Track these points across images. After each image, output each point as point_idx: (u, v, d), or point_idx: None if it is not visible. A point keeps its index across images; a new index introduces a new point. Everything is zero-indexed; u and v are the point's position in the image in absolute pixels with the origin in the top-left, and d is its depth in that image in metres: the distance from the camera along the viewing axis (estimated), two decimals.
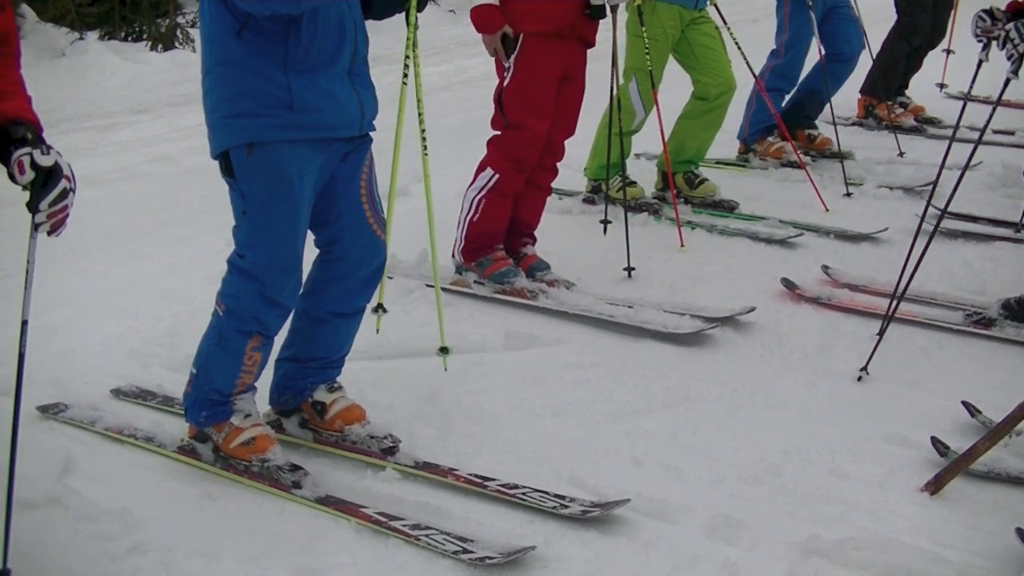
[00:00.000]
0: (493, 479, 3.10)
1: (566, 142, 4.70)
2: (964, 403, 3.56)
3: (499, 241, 4.66)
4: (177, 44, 10.68)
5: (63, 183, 2.44)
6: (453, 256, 4.71)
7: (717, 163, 6.57)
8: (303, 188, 3.03)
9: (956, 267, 4.89)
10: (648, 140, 6.22)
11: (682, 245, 5.16)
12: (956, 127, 4.34)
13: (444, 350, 3.74)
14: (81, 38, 10.09)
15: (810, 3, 6.29)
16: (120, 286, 4.71)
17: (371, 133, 3.23)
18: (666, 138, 5.45)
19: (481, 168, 4.59)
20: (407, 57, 3.42)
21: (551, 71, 4.44)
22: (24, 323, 2.48)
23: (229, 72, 2.95)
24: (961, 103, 4.49)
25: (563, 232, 5.30)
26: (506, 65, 4.45)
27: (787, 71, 6.54)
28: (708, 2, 5.55)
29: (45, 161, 2.41)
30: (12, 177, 2.42)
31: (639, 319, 4.25)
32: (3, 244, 4.70)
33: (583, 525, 2.91)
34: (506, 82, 4.47)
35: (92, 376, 3.81)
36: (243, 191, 3.02)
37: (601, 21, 4.50)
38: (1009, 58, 3.94)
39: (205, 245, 5.13)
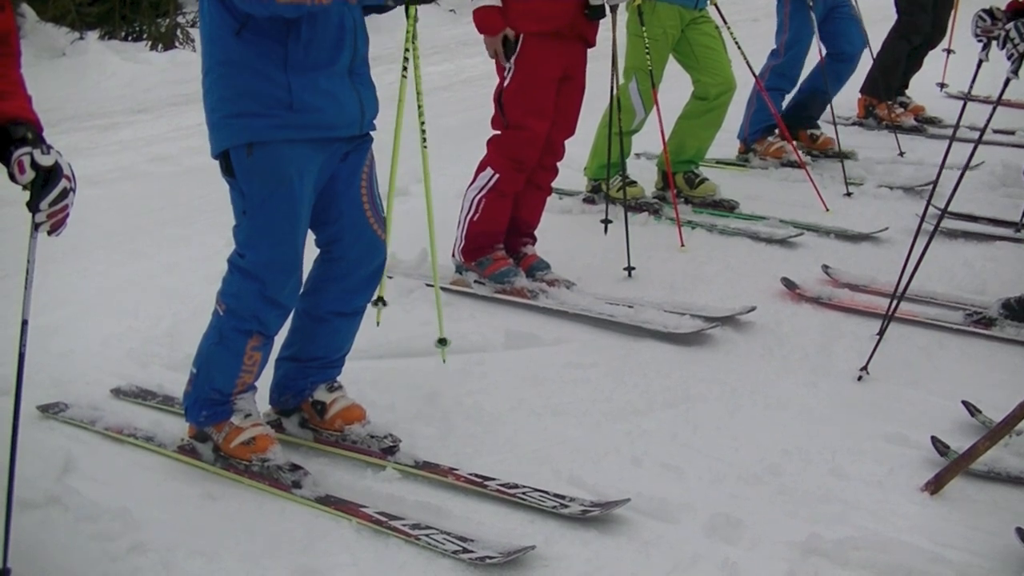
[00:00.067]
0: (493, 479, 3.10)
1: (566, 142, 4.70)
2: (964, 403, 3.56)
3: (499, 241, 4.66)
4: (177, 44, 10.68)
5: (63, 183, 2.44)
6: (453, 256, 4.71)
7: (717, 163, 6.57)
8: (303, 188, 3.03)
9: (956, 267, 4.88)
10: (648, 140, 6.22)
11: (682, 245, 5.16)
12: (956, 127, 4.34)
13: (442, 341, 3.74)
14: (81, 38, 10.10)
15: (810, 3, 6.29)
16: (120, 285, 4.71)
17: (371, 132, 3.23)
18: (666, 138, 5.45)
19: (481, 168, 4.59)
20: (406, 50, 3.42)
21: (551, 71, 4.44)
22: (24, 323, 2.48)
23: (229, 72, 2.95)
24: (961, 103, 4.49)
25: (563, 232, 5.30)
26: (506, 66, 4.45)
27: (787, 71, 6.54)
28: (708, 2, 5.55)
29: (45, 161, 2.41)
30: (12, 177, 2.42)
31: (639, 319, 4.25)
32: (3, 244, 4.70)
33: (583, 525, 2.91)
34: (506, 82, 4.47)
35: (92, 376, 3.81)
36: (243, 191, 3.02)
37: (601, 21, 4.50)
38: (1009, 58, 3.94)
39: (205, 244, 5.13)
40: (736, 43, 5.80)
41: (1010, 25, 3.91)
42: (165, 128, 7.85)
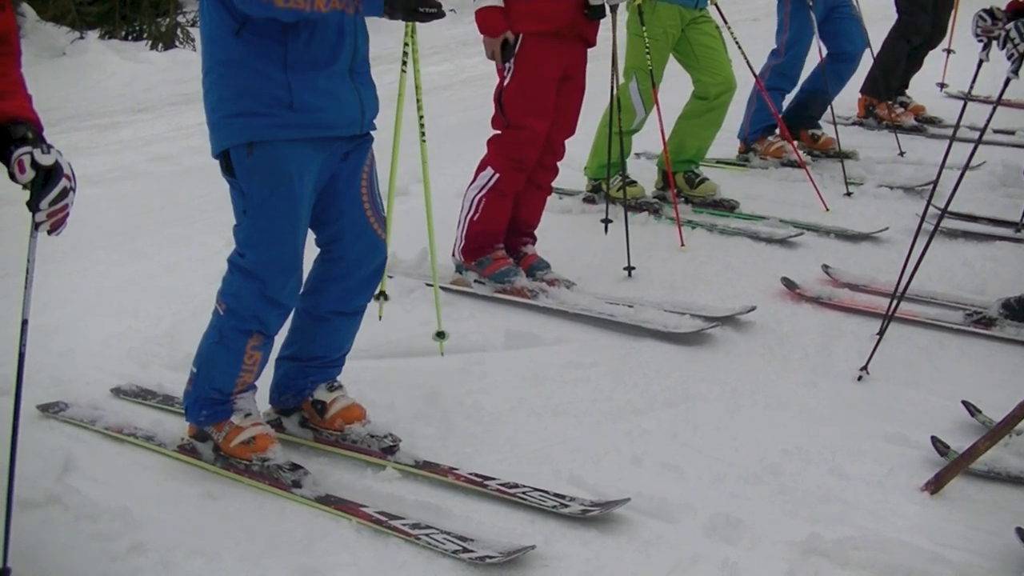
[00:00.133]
0: (493, 478, 3.10)
1: (566, 141, 4.70)
2: (964, 403, 3.56)
3: (499, 240, 4.66)
4: (177, 43, 10.69)
5: (63, 182, 2.44)
6: (453, 255, 4.71)
7: (717, 162, 6.57)
8: (303, 187, 3.03)
9: (956, 267, 4.88)
10: (648, 139, 6.22)
11: (682, 244, 5.16)
12: (956, 127, 4.34)
13: (441, 335, 3.74)
14: (81, 37, 10.10)
15: (810, 3, 6.29)
16: (120, 285, 4.71)
17: (372, 132, 3.23)
18: (666, 137, 5.45)
19: (481, 167, 4.59)
20: (405, 44, 3.43)
21: (551, 71, 4.44)
22: (24, 322, 2.48)
23: (229, 72, 2.95)
24: (961, 103, 4.49)
25: (563, 231, 5.30)
26: (505, 67, 4.46)
27: (787, 70, 6.54)
28: (708, 1, 5.55)
29: (45, 160, 2.41)
30: (12, 176, 2.42)
31: (639, 318, 4.25)
32: (3, 243, 4.69)
33: (583, 524, 2.91)
34: (506, 81, 4.47)
35: (92, 375, 3.81)
36: (243, 190, 3.02)
37: (601, 21, 4.50)
38: (1009, 58, 3.94)
39: (205, 244, 5.13)
40: (736, 43, 5.80)
41: (1010, 25, 3.91)
42: (165, 128, 7.86)
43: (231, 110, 2.97)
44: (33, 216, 2.44)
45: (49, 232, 2.49)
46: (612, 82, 5.00)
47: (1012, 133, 7.20)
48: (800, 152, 6.37)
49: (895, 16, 7.50)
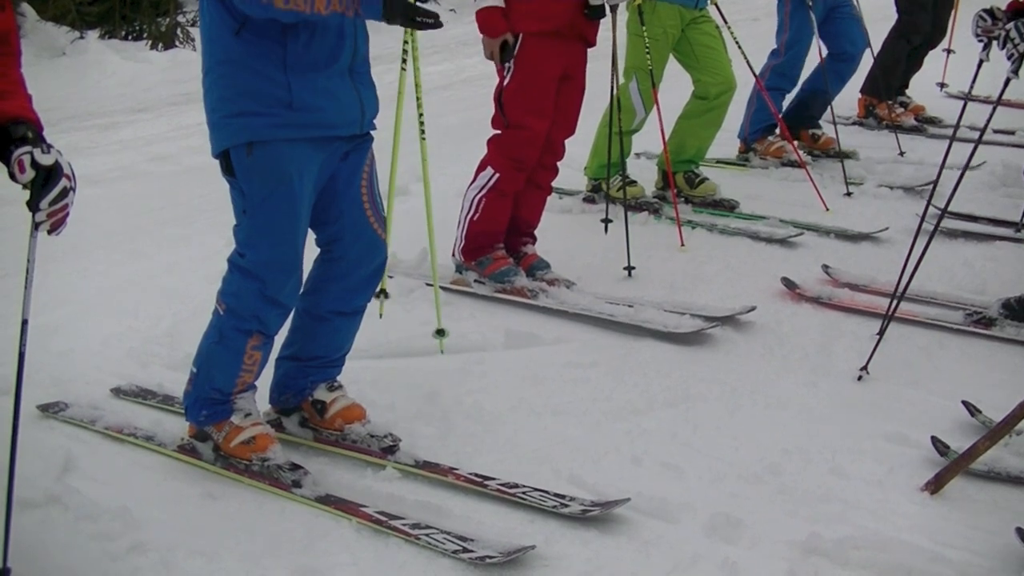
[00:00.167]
0: (493, 478, 3.10)
1: (566, 141, 4.70)
2: (964, 403, 3.56)
3: (499, 240, 4.66)
4: (177, 43, 10.69)
5: (63, 182, 2.44)
6: (453, 255, 4.71)
7: (717, 162, 6.57)
8: (303, 187, 3.03)
9: (956, 267, 4.88)
10: (648, 139, 6.22)
11: (682, 244, 5.16)
12: (956, 127, 4.34)
13: (441, 332, 3.74)
14: (81, 37, 10.11)
15: (810, 3, 6.29)
16: (120, 285, 4.71)
17: (372, 132, 3.23)
18: (666, 137, 5.45)
19: (481, 167, 4.59)
20: (405, 42, 3.43)
21: (551, 70, 4.44)
22: (24, 322, 2.48)
23: (229, 71, 2.95)
24: (961, 103, 4.49)
25: (563, 231, 5.30)
26: (505, 66, 4.46)
27: (787, 70, 6.54)
28: (708, 1, 5.55)
29: (45, 160, 2.41)
30: (12, 176, 2.42)
31: (639, 318, 4.25)
32: (3, 243, 4.69)
33: (583, 524, 2.91)
34: (506, 81, 4.47)
35: (92, 375, 3.81)
36: (243, 190, 3.02)
37: (601, 21, 4.50)
38: (1009, 58, 3.94)
39: (205, 244, 5.13)
40: (736, 43, 5.81)
41: (1010, 25, 3.91)
42: (165, 127, 7.86)
43: (231, 110, 2.97)
44: (33, 216, 2.44)
45: (49, 232, 2.49)
46: (612, 82, 5.00)
47: (1012, 133, 7.20)
48: (800, 152, 6.37)
49: (895, 16, 7.50)
